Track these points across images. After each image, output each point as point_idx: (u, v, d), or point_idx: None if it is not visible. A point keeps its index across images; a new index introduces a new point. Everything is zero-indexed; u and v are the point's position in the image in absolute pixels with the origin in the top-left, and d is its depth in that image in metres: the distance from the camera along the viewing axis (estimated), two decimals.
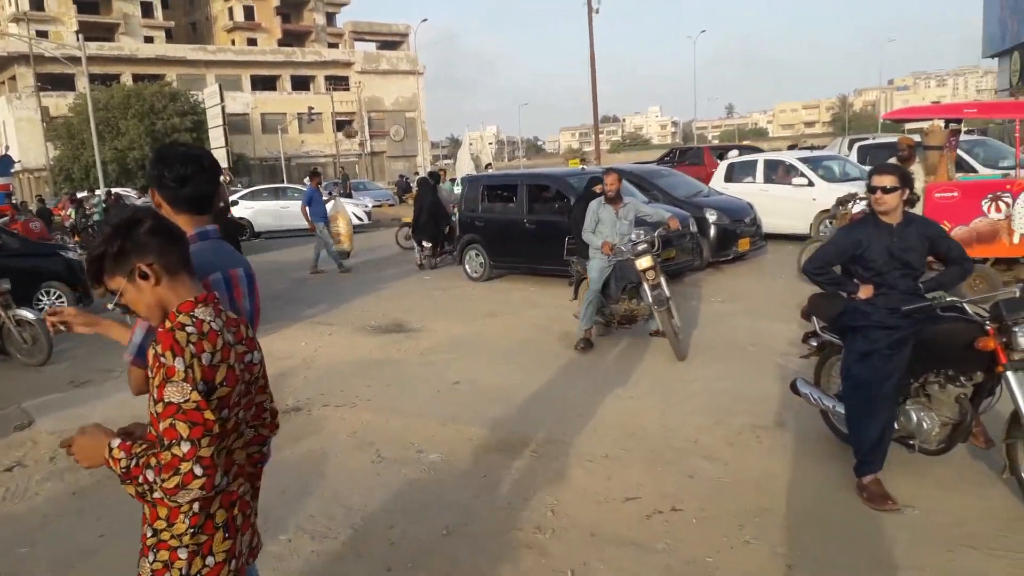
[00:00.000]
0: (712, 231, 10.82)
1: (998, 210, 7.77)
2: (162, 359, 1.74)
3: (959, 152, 10.18)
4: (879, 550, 3.47)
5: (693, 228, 10.04)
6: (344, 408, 6.05)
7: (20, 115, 42.77)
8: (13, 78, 45.70)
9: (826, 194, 12.40)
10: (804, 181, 12.85)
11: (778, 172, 13.58)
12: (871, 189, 3.93)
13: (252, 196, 22.66)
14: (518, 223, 11.01)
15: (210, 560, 1.87)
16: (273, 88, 55.31)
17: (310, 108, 50.36)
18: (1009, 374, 3.58)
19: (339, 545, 3.86)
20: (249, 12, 59.65)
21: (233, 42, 58.52)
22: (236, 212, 19.86)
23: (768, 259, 11.90)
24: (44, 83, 38.88)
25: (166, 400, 1.72)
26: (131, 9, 55.74)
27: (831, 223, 12.24)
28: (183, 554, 1.83)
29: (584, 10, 28.22)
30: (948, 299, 3.98)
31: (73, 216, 20.92)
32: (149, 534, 1.87)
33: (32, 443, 5.69)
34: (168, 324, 1.83)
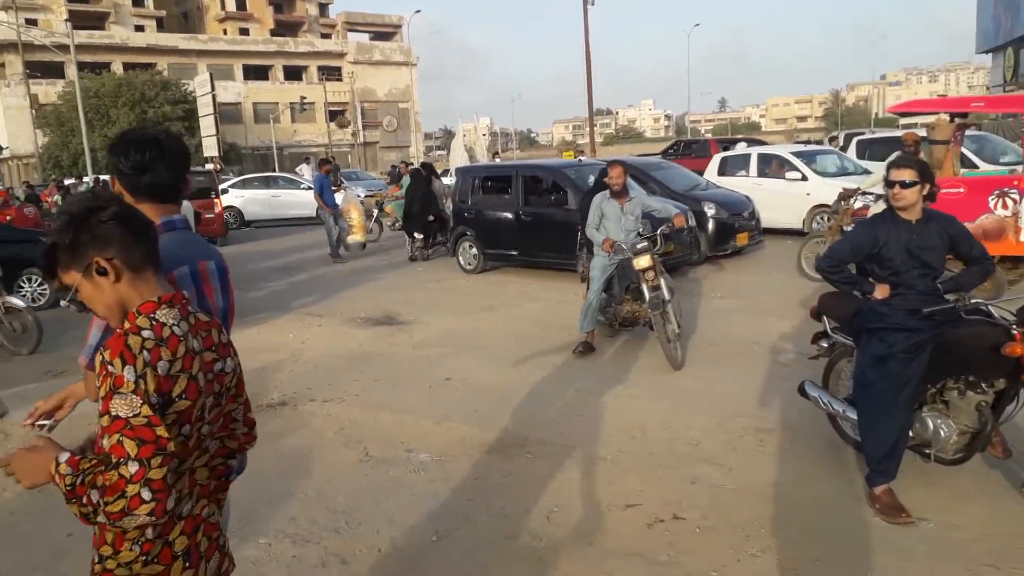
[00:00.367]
0: (710, 225, 10.61)
1: (1005, 207, 7.59)
2: (109, 367, 1.52)
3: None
4: (892, 566, 3.27)
5: (692, 222, 9.83)
6: (331, 403, 5.82)
7: (9, 102, 42.22)
8: (2, 65, 45.05)
9: (820, 189, 12.29)
10: (798, 175, 12.69)
11: (772, 166, 13.42)
12: (889, 183, 3.73)
13: (243, 185, 22.34)
14: (513, 215, 10.78)
15: None
16: (265, 78, 54.81)
17: (302, 98, 49.94)
18: None
19: (322, 550, 3.64)
20: (241, 2, 58.96)
21: (225, 32, 57.90)
22: (226, 201, 19.58)
23: (766, 254, 11.70)
24: (33, 71, 38.36)
25: (112, 413, 1.51)
26: None
27: (826, 219, 12.10)
28: None
29: (579, 2, 27.96)
30: (972, 301, 3.78)
31: (60, 202, 20.66)
32: (96, 559, 1.65)
33: (3, 435, 5.45)
34: (125, 326, 1.61)
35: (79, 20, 42.21)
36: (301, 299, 10.17)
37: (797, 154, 13.40)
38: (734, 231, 10.81)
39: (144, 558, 1.61)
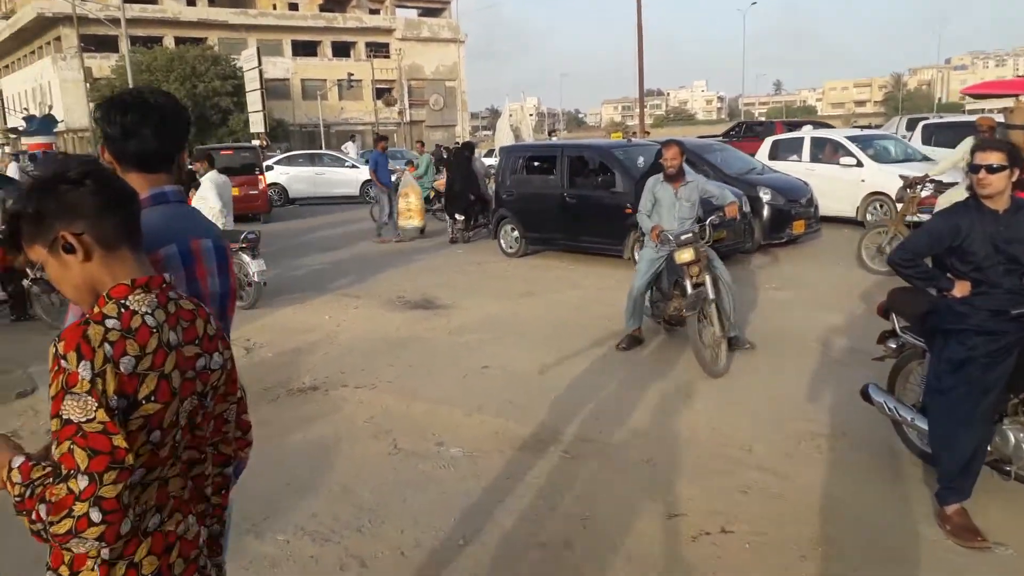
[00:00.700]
0: (765, 211, 10.11)
1: None
2: (62, 362, 1.29)
3: None
4: None
5: (746, 207, 9.36)
6: (364, 389, 5.63)
7: (65, 76, 42.98)
8: (58, 39, 45.89)
9: (876, 176, 11.72)
10: (852, 161, 12.11)
11: (825, 151, 12.83)
12: (974, 168, 3.33)
13: (288, 162, 22.33)
14: (558, 197, 10.44)
15: None
16: (314, 54, 54.90)
17: (350, 75, 49.89)
18: None
19: (341, 551, 3.43)
20: None
21: (274, 7, 58.04)
22: (271, 178, 19.55)
23: (823, 243, 11.16)
24: (88, 44, 38.95)
25: (63, 417, 1.28)
26: None
27: (881, 207, 11.52)
28: None
29: None
30: None
31: None
32: None
33: (33, 412, 5.38)
34: (93, 312, 1.38)
35: None
36: (340, 279, 10.02)
37: (852, 139, 12.80)
38: (790, 218, 10.29)
39: None
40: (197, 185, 8.70)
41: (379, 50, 55.98)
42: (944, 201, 6.67)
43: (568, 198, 10.31)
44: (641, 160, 9.76)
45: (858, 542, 3.33)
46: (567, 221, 10.35)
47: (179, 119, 1.84)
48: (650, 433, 4.59)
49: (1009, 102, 11.59)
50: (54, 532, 1.27)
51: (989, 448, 3.45)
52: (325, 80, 50.98)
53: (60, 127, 37.45)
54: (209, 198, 8.06)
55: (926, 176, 8.55)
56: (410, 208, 13.52)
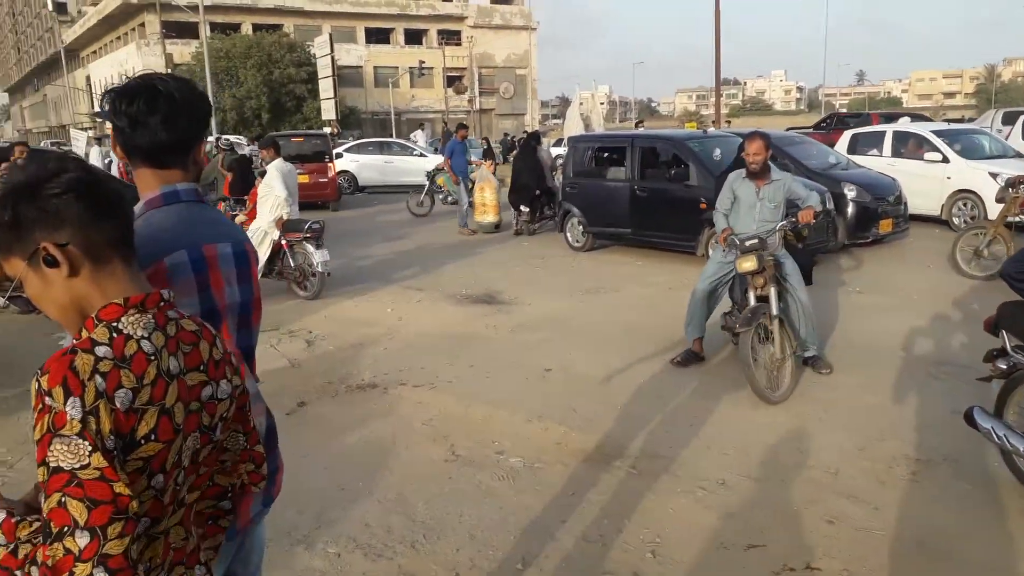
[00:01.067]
0: (850, 209, 9.53)
1: None
2: (47, 399, 1.09)
3: None
4: None
5: (829, 204, 8.81)
6: (422, 389, 5.45)
7: (148, 61, 44.31)
8: (143, 25, 47.45)
9: (963, 172, 11.01)
10: (938, 157, 11.36)
11: (908, 145, 12.08)
12: None
13: (358, 150, 22.44)
14: (627, 189, 10.08)
15: None
16: (387, 41, 55.34)
17: (421, 62, 50.09)
18: None
19: (394, 568, 3.24)
20: None
21: None
22: (341, 165, 19.66)
23: (912, 244, 10.48)
24: (169, 31, 40.10)
25: (51, 464, 1.08)
26: None
27: (968, 206, 10.78)
28: None
29: None
30: None
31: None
32: None
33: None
34: (82, 337, 1.18)
35: None
36: (404, 270, 9.90)
37: (938, 133, 11.99)
38: (877, 217, 9.67)
39: None
40: (262, 173, 8.69)
41: (451, 37, 56.08)
42: None
43: (639, 191, 9.93)
44: (718, 152, 9.31)
45: None
46: (637, 215, 9.98)
47: (193, 108, 1.61)
48: (724, 449, 4.27)
49: None
50: None
51: None
52: (397, 67, 51.33)
53: None
54: (275, 186, 8.04)
55: None
56: (485, 203, 13.21)
